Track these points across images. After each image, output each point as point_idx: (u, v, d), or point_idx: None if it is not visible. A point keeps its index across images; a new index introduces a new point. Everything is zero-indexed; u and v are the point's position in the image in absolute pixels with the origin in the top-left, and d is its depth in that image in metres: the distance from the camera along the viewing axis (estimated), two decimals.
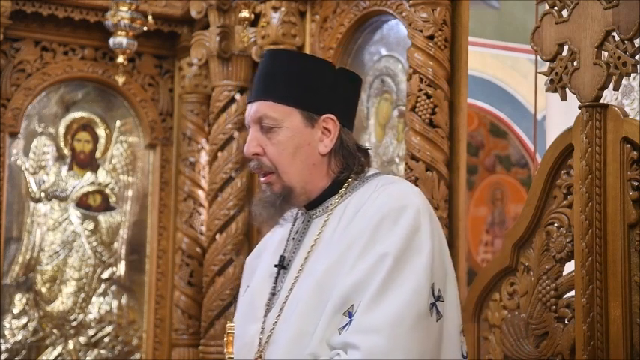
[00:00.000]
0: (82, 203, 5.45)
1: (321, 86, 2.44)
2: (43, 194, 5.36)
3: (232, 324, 2.36)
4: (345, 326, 2.22)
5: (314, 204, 2.47)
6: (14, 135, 5.27)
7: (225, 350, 2.35)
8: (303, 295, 2.33)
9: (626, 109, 3.26)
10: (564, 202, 2.88)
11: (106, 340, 5.45)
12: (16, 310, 5.27)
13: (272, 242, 2.59)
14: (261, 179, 2.46)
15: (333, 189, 2.45)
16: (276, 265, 2.47)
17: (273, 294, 2.44)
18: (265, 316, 2.41)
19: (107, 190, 5.51)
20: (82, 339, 5.41)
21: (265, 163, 2.43)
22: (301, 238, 2.47)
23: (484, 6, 8.50)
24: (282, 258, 2.46)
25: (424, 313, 2.22)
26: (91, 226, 5.46)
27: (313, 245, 2.41)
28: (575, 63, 2.79)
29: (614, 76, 2.69)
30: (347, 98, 2.51)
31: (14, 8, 5.04)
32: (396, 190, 2.38)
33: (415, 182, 3.67)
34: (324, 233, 2.41)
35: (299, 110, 2.41)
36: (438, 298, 2.26)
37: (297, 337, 2.29)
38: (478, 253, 8.78)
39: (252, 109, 2.44)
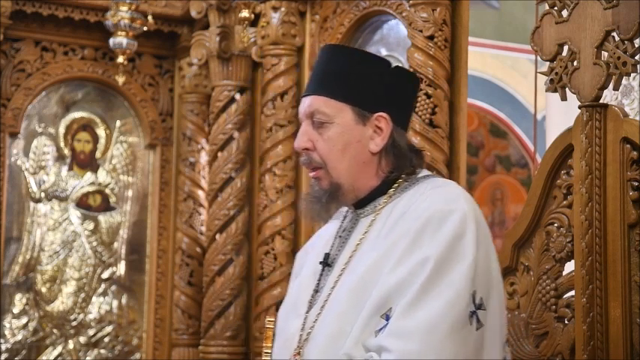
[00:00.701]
0: (82, 203, 5.45)
1: (375, 84, 2.42)
2: (43, 194, 5.36)
3: (271, 319, 2.36)
4: (381, 329, 2.20)
5: (362, 203, 2.45)
6: (14, 135, 5.27)
7: (263, 345, 2.37)
8: (343, 294, 2.32)
9: (626, 109, 3.26)
10: (564, 202, 2.88)
11: (106, 340, 5.45)
12: (16, 310, 5.28)
13: (321, 239, 2.58)
14: (310, 174, 2.44)
15: (382, 189, 2.43)
16: (320, 263, 2.46)
17: (316, 291, 2.43)
18: (307, 312, 2.40)
19: (107, 190, 5.51)
20: (82, 339, 5.41)
21: (315, 158, 2.41)
22: (347, 236, 2.45)
23: (484, 6, 8.51)
24: (326, 256, 2.45)
25: (462, 320, 2.18)
26: (91, 226, 5.46)
27: (358, 244, 2.39)
28: (575, 63, 2.79)
29: (614, 76, 2.69)
30: (402, 97, 2.48)
31: (14, 8, 5.04)
32: (445, 193, 2.34)
33: None
34: (370, 233, 2.39)
35: (351, 107, 2.39)
36: (480, 306, 2.22)
37: (334, 337, 2.28)
38: None
39: (306, 104, 2.42)
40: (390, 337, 2.18)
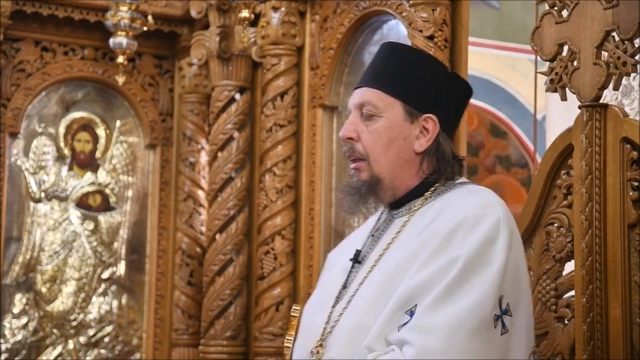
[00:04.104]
0: (82, 203, 5.45)
1: (428, 85, 2.43)
2: (43, 194, 5.36)
3: (297, 307, 2.37)
4: (404, 324, 2.21)
5: (398, 204, 2.46)
6: (14, 135, 5.27)
7: (287, 332, 2.40)
8: (370, 290, 2.33)
9: (626, 109, 3.26)
10: (564, 202, 2.88)
11: (106, 340, 5.45)
12: (16, 310, 5.28)
13: (355, 238, 2.59)
14: (351, 165, 2.45)
15: (419, 190, 2.44)
16: (350, 260, 2.47)
17: (344, 287, 2.44)
18: (333, 307, 2.41)
19: (107, 190, 5.51)
20: (82, 339, 5.41)
21: (358, 148, 2.42)
22: (380, 235, 2.47)
23: (484, 6, 8.51)
24: (357, 252, 2.47)
25: (487, 323, 2.18)
26: (91, 226, 5.46)
27: (390, 243, 2.41)
28: (575, 63, 2.79)
29: (614, 76, 2.69)
30: (453, 104, 2.49)
31: (14, 8, 5.04)
32: (480, 199, 2.36)
33: None
34: (403, 233, 2.40)
35: (402, 103, 2.40)
36: (506, 312, 2.22)
37: (357, 330, 2.29)
38: None
39: (357, 95, 2.44)
40: (413, 331, 2.19)
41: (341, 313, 2.37)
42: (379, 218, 2.54)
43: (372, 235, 2.50)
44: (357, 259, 2.46)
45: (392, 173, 2.42)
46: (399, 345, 2.20)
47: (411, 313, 2.21)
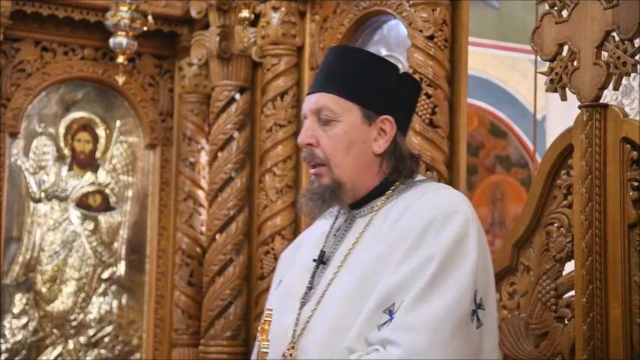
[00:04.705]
0: (82, 203, 5.45)
1: (384, 87, 2.46)
2: (43, 194, 5.36)
3: (270, 311, 2.36)
4: (384, 324, 2.23)
5: (359, 203, 2.48)
6: (14, 135, 5.27)
7: (259, 338, 2.35)
8: (343, 290, 2.34)
9: (626, 109, 3.26)
10: (564, 202, 2.88)
11: (106, 340, 5.45)
12: (16, 310, 5.27)
13: (311, 237, 2.60)
14: (311, 171, 2.47)
15: (380, 190, 2.46)
16: (315, 260, 2.47)
17: (310, 288, 2.45)
18: (301, 309, 2.42)
19: (107, 190, 5.51)
20: (82, 339, 5.41)
21: (318, 154, 2.44)
22: (343, 235, 2.48)
23: (484, 6, 8.51)
24: (322, 253, 2.47)
25: (466, 318, 2.22)
26: (91, 226, 5.46)
27: (355, 243, 2.42)
28: (575, 63, 2.79)
29: (614, 76, 2.69)
30: (406, 103, 2.53)
31: (14, 8, 5.04)
32: (447, 195, 2.40)
33: None
34: (367, 232, 2.42)
35: (359, 107, 2.43)
36: (480, 306, 2.26)
37: (334, 331, 2.30)
38: None
39: (312, 100, 2.45)
40: (397, 330, 2.20)
41: (311, 315, 2.37)
42: (336, 217, 2.54)
43: (334, 235, 2.50)
44: (322, 259, 2.46)
45: (353, 176, 2.44)
46: (382, 345, 2.21)
47: (390, 312, 2.23)
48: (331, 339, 2.29)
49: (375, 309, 2.25)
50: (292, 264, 2.60)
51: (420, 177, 2.52)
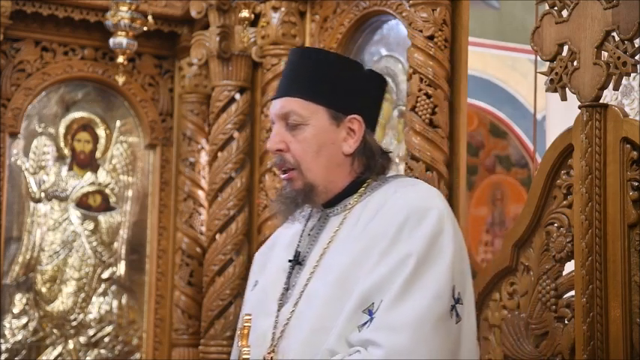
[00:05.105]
0: (82, 203, 5.45)
1: (349, 86, 2.45)
2: (43, 194, 5.36)
3: (249, 316, 2.35)
4: (365, 324, 2.22)
5: (331, 202, 2.47)
6: (14, 135, 5.27)
7: (239, 343, 2.34)
8: (321, 291, 2.33)
9: (626, 109, 3.26)
10: (564, 202, 2.88)
11: (106, 340, 5.45)
12: (16, 310, 5.27)
13: (285, 238, 2.59)
14: (282, 176, 2.46)
15: (352, 189, 2.46)
16: (290, 261, 2.47)
17: (286, 289, 2.44)
18: (279, 310, 2.41)
19: (107, 190, 5.51)
20: (82, 339, 5.41)
21: (288, 159, 2.43)
22: (317, 234, 2.47)
23: (484, 6, 8.51)
24: (297, 254, 2.47)
25: (445, 314, 2.23)
26: (91, 226, 5.46)
27: (330, 242, 2.42)
28: (575, 63, 2.79)
29: (614, 76, 2.69)
30: (373, 100, 2.52)
31: (14, 8, 5.04)
32: (420, 191, 2.40)
33: None
34: (342, 231, 2.42)
35: (325, 109, 2.42)
36: (458, 301, 2.26)
37: (314, 333, 2.29)
38: (478, 253, 8.78)
39: (278, 105, 2.44)
40: (378, 331, 2.20)
41: (289, 317, 2.37)
42: (309, 217, 2.54)
43: (309, 235, 2.50)
44: (298, 260, 2.46)
45: (325, 178, 2.44)
46: (364, 345, 2.21)
47: (370, 312, 2.23)
48: (312, 340, 2.29)
49: (355, 309, 2.24)
50: (267, 264, 2.58)
51: (391, 172, 2.52)
